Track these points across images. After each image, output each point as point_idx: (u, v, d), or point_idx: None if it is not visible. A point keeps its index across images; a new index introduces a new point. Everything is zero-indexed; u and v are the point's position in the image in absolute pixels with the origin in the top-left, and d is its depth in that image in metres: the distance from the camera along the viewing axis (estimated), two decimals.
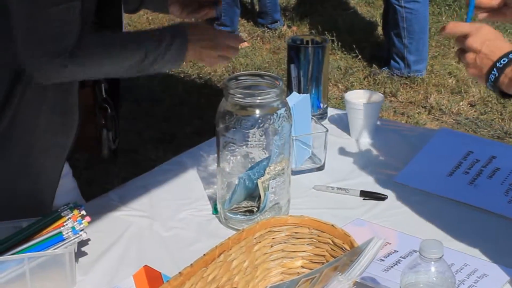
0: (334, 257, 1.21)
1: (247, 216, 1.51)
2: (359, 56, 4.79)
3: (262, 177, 1.46)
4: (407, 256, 1.39)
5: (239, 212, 1.52)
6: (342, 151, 1.86)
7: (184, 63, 1.57)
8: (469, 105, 4.20)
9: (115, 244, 1.47)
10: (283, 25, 5.45)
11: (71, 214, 1.34)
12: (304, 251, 1.29)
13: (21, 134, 1.47)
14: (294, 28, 5.48)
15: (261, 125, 1.44)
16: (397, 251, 1.41)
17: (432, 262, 1.07)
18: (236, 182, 1.49)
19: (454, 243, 1.43)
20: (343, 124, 1.98)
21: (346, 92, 2.27)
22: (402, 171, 1.74)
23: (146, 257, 1.42)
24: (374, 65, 4.66)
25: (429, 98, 4.26)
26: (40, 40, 1.37)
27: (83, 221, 1.34)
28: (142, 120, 4.06)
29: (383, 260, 1.38)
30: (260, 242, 1.27)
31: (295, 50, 1.94)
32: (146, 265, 1.38)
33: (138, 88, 4.41)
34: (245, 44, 5.11)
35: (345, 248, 1.20)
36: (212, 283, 1.17)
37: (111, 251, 1.45)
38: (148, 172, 1.78)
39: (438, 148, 1.86)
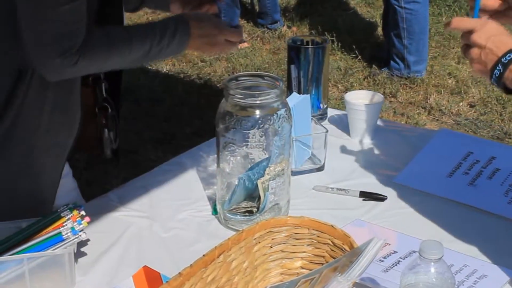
0: (334, 258, 1.21)
1: (247, 217, 1.51)
2: (359, 57, 4.79)
3: (262, 178, 1.46)
4: (406, 257, 1.39)
5: (239, 212, 1.52)
6: (342, 152, 1.86)
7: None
8: (468, 106, 4.20)
9: (115, 244, 1.47)
10: (283, 25, 5.45)
11: (70, 215, 1.34)
12: (303, 252, 1.29)
13: (23, 134, 1.47)
14: (294, 28, 5.48)
15: (261, 125, 1.43)
16: (397, 252, 1.41)
17: (432, 263, 1.07)
18: (236, 183, 1.49)
19: (453, 243, 1.43)
20: (343, 124, 1.98)
21: (346, 92, 2.27)
22: (402, 171, 1.74)
23: (146, 258, 1.42)
24: (374, 66, 4.66)
25: (429, 99, 4.26)
26: (50, 40, 1.38)
27: (82, 222, 1.34)
28: (142, 120, 4.06)
29: (382, 261, 1.38)
30: (259, 242, 1.27)
31: (295, 51, 1.94)
32: (145, 266, 1.38)
33: (138, 88, 4.41)
34: (245, 44, 5.11)
35: (344, 249, 1.20)
36: (212, 284, 1.17)
37: (110, 251, 1.45)
38: (148, 172, 1.78)
39: (438, 148, 1.86)
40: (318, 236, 1.26)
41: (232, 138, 1.45)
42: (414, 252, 1.38)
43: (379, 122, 1.97)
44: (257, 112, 1.44)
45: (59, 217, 1.34)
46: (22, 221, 1.37)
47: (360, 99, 1.92)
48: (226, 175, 1.51)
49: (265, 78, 1.51)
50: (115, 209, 1.60)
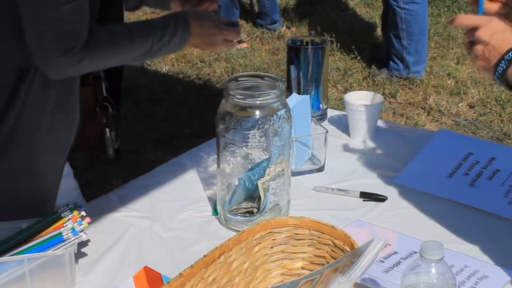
0: (335, 259, 1.21)
1: (247, 217, 1.51)
2: (358, 57, 4.79)
3: (262, 178, 1.46)
4: (407, 258, 1.39)
5: (239, 213, 1.52)
6: (342, 152, 1.86)
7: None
8: (468, 106, 4.20)
9: (115, 245, 1.47)
10: (282, 26, 5.45)
11: (71, 215, 1.34)
12: (304, 252, 1.29)
13: (24, 133, 1.47)
14: (293, 29, 5.48)
15: (261, 126, 1.43)
16: (397, 253, 1.41)
17: (433, 264, 1.07)
18: (236, 183, 1.49)
19: (454, 244, 1.43)
20: (343, 125, 1.98)
21: (345, 93, 2.27)
22: (402, 172, 1.74)
23: (146, 258, 1.42)
24: (373, 66, 4.66)
25: (428, 99, 4.26)
26: (52, 40, 1.39)
27: (83, 222, 1.34)
28: (142, 120, 4.06)
29: (383, 262, 1.38)
30: (260, 243, 1.26)
31: (294, 51, 1.94)
32: (146, 266, 1.38)
33: (138, 88, 4.41)
34: (244, 45, 5.11)
35: (345, 250, 1.20)
36: (212, 284, 1.17)
37: (111, 252, 1.45)
38: (148, 173, 1.78)
39: (438, 149, 1.86)
40: (318, 237, 1.26)
41: (232, 138, 1.45)
42: (415, 252, 1.38)
43: (378, 123, 1.97)
44: (257, 112, 1.44)
45: (60, 218, 1.34)
46: (22, 221, 1.37)
47: (359, 100, 1.92)
48: (226, 175, 1.51)
49: (265, 78, 1.51)
50: (115, 209, 1.60)
